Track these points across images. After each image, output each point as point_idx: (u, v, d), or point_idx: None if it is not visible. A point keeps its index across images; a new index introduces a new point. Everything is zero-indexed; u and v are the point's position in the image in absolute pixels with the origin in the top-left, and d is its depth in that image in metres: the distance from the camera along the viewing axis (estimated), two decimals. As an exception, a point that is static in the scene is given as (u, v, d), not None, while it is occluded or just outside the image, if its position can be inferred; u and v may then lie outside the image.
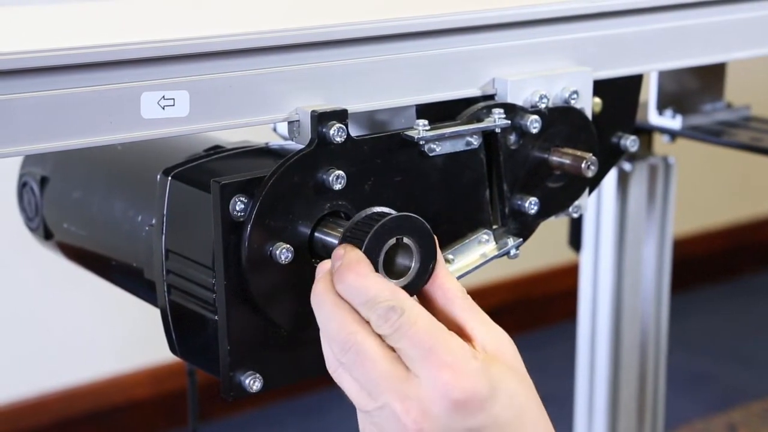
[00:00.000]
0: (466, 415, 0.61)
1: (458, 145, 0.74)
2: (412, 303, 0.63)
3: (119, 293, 0.86)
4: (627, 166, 1.10)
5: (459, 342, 0.63)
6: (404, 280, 0.66)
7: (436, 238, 0.67)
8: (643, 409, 1.18)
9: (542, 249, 1.70)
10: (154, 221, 0.74)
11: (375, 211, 0.68)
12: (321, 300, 0.64)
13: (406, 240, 0.66)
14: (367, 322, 0.63)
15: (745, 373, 2.39)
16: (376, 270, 0.65)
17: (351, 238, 0.65)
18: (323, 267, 0.66)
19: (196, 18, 0.78)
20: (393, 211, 0.68)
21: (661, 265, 1.14)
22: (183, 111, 0.66)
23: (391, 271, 0.66)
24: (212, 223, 0.67)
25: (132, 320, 2.05)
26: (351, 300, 0.64)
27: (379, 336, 0.63)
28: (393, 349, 0.62)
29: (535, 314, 2.58)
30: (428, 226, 0.67)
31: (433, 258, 0.67)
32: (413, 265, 0.66)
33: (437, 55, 0.74)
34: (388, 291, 0.63)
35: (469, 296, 0.66)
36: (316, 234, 0.69)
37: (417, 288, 0.67)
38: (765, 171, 2.82)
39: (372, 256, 0.65)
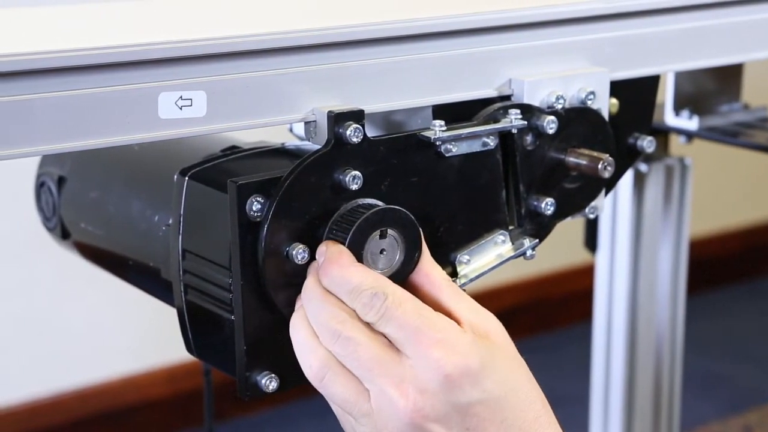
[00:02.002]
0: (461, 389, 0.62)
1: (475, 146, 0.74)
2: (395, 288, 0.65)
3: (135, 293, 0.86)
4: (643, 167, 1.10)
5: (446, 320, 0.64)
6: (389, 270, 0.68)
7: (420, 230, 0.68)
8: (658, 411, 1.17)
9: (556, 250, 1.70)
10: (171, 221, 0.74)
11: (360, 203, 0.68)
12: (309, 296, 0.66)
13: (390, 231, 0.67)
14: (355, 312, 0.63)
15: (761, 374, 2.38)
16: (361, 261, 0.66)
17: (337, 231, 0.67)
18: (312, 267, 0.67)
19: (213, 18, 0.78)
20: (380, 203, 0.68)
21: (677, 266, 1.14)
22: (200, 111, 0.66)
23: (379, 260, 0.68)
24: (229, 223, 0.68)
25: (148, 320, 2.06)
26: (336, 292, 0.65)
27: (368, 324, 0.63)
28: (384, 336, 0.63)
29: (550, 315, 2.57)
30: (412, 217, 0.68)
31: (418, 248, 0.68)
32: (398, 255, 0.68)
33: (454, 56, 0.74)
34: (371, 278, 0.65)
35: (454, 284, 0.67)
36: None
37: (402, 277, 0.68)
38: (782, 172, 2.81)
39: (356, 247, 0.66)
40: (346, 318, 0.64)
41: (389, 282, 0.65)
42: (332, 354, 0.64)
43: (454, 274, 0.74)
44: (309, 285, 0.66)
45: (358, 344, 0.63)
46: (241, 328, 0.69)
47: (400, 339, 0.62)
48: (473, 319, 0.65)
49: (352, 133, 0.68)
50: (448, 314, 0.65)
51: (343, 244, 0.67)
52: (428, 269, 0.68)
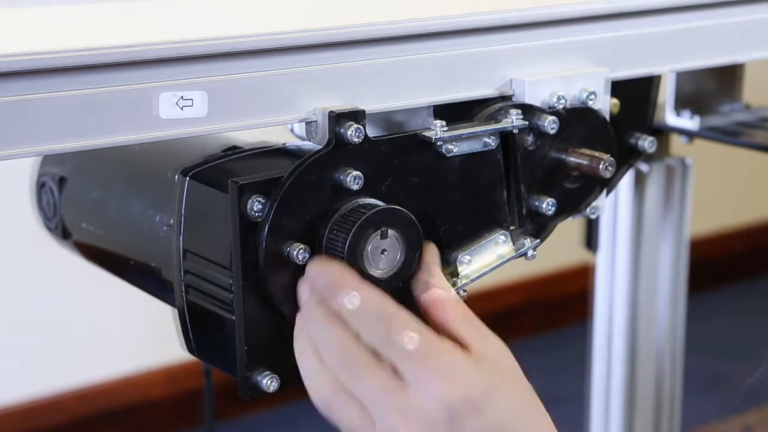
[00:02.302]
0: (466, 420, 0.61)
1: (475, 146, 0.74)
2: (398, 311, 0.63)
3: (136, 293, 0.86)
4: (644, 167, 1.10)
5: (449, 347, 0.63)
6: (390, 271, 0.68)
7: (421, 229, 0.68)
8: (659, 411, 1.17)
9: (555, 250, 1.70)
10: (171, 221, 0.74)
11: (360, 203, 0.68)
12: (312, 317, 0.64)
13: (391, 232, 0.67)
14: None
15: (762, 375, 2.37)
16: (362, 261, 0.66)
17: (337, 231, 0.66)
18: (307, 284, 0.65)
19: (214, 18, 0.78)
20: (380, 203, 0.68)
21: (678, 266, 1.14)
22: (201, 111, 0.66)
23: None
24: (230, 223, 0.68)
25: (148, 320, 2.06)
26: (340, 312, 0.64)
27: (374, 348, 0.62)
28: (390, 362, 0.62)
29: (549, 315, 2.57)
30: (413, 217, 0.68)
31: (418, 248, 0.68)
32: (399, 255, 0.68)
33: (454, 56, 0.74)
34: (376, 300, 0.63)
35: (465, 306, 0.66)
36: None
37: (403, 279, 0.68)
38: (782, 172, 2.81)
39: (357, 248, 0.66)
40: (351, 345, 0.63)
41: (393, 304, 0.64)
42: (339, 379, 0.63)
43: (454, 275, 0.74)
44: (311, 306, 0.65)
45: (363, 373, 0.62)
46: (241, 328, 0.69)
47: (403, 366, 0.62)
48: (479, 343, 0.64)
49: (352, 133, 0.68)
50: (455, 337, 0.64)
51: (344, 244, 0.67)
52: (438, 293, 0.67)
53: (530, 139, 0.76)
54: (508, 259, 0.76)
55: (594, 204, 0.80)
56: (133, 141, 0.65)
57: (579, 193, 0.79)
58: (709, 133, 1.06)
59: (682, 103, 1.06)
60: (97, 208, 0.84)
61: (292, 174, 0.67)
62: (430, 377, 0.61)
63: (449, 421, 0.60)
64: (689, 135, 1.07)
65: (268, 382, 0.69)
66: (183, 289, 0.74)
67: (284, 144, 0.78)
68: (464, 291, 0.74)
